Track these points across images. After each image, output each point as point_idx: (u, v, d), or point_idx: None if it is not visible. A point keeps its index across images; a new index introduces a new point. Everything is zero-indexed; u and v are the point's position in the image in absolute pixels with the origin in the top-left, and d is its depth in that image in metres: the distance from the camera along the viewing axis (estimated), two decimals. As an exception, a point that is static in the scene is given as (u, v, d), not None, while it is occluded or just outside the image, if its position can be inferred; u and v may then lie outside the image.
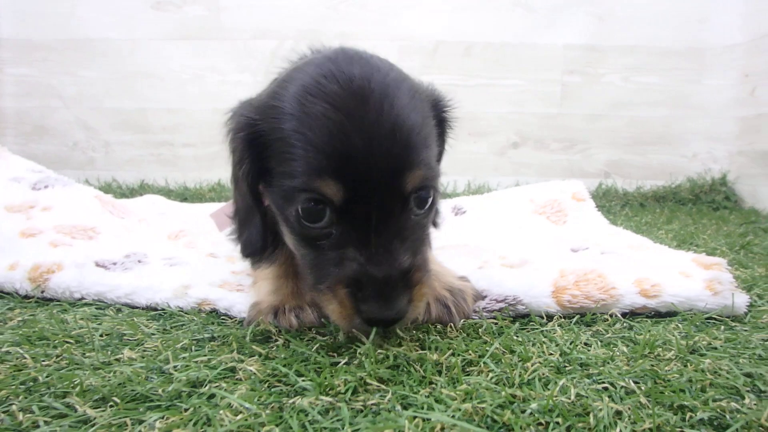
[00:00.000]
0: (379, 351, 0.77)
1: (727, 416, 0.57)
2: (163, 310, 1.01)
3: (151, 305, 1.04)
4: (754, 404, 0.60)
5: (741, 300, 0.95)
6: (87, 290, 1.07)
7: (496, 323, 0.90)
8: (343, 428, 0.57)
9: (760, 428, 0.54)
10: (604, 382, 0.67)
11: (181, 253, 1.33)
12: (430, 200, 0.82)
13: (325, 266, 0.79)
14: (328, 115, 0.74)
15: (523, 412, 0.60)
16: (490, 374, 0.70)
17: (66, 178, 1.64)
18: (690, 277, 1.00)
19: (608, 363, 0.73)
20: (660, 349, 0.78)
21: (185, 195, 2.94)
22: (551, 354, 0.77)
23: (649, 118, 3.07)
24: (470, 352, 0.77)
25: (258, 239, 0.91)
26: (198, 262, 1.26)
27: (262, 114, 0.83)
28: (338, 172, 0.74)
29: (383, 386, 0.67)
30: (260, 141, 0.82)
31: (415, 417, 0.58)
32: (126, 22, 3.04)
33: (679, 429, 0.55)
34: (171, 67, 3.09)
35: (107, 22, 3.04)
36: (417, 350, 0.78)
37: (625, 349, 0.78)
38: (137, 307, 1.04)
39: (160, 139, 3.17)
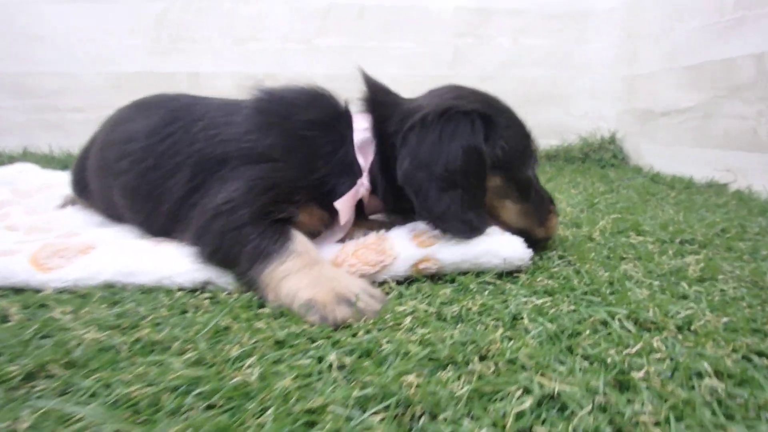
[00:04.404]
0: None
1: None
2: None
3: None
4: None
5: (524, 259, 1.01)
6: None
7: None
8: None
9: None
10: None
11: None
12: None
13: (541, 204, 1.12)
14: None
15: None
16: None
17: None
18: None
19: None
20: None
21: (67, 162, 2.80)
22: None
23: (537, 78, 3.20)
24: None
25: (482, 221, 1.01)
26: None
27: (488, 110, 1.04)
28: None
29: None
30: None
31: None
32: (8, -19, 2.86)
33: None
34: (58, 30, 2.95)
35: (-12, -18, 2.85)
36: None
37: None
38: None
39: (46, 103, 3.03)
